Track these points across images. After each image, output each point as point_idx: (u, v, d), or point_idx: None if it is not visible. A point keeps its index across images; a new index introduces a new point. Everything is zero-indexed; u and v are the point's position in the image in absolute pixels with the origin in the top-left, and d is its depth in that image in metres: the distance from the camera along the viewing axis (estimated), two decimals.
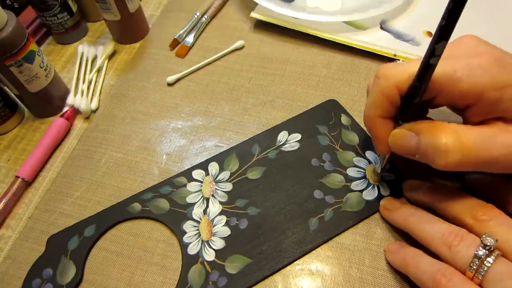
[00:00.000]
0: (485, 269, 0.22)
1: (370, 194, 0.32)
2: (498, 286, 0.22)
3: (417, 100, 0.25)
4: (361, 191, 0.32)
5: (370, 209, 0.31)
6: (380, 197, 0.31)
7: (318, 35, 0.43)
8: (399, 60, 0.40)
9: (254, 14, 0.45)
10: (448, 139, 0.24)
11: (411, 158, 0.27)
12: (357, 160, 0.34)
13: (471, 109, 0.25)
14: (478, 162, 0.24)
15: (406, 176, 0.32)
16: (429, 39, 0.41)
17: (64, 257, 0.31)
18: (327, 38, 0.43)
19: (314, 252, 0.30)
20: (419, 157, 0.26)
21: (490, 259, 0.22)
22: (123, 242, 0.32)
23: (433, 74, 0.24)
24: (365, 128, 0.36)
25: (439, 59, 0.23)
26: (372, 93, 0.28)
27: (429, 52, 0.23)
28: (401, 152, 0.27)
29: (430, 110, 0.30)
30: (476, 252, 0.23)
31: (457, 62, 0.25)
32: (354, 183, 0.33)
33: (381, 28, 0.43)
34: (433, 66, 0.23)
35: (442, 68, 0.24)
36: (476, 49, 0.26)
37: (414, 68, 0.24)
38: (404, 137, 0.26)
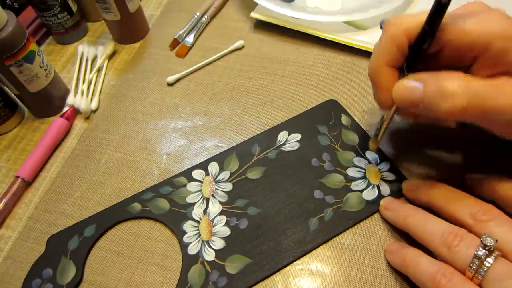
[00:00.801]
0: (485, 269, 0.22)
1: (370, 194, 0.32)
2: (498, 286, 0.22)
3: (426, 46, 0.25)
4: (361, 191, 0.32)
5: (370, 209, 0.31)
6: (380, 197, 0.31)
7: (318, 35, 0.43)
8: None
9: (254, 14, 0.45)
10: (455, 84, 0.23)
11: (414, 111, 0.26)
12: (357, 160, 0.34)
13: (477, 61, 0.25)
14: (484, 110, 0.23)
15: (406, 176, 0.32)
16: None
17: (64, 257, 0.31)
18: (327, 38, 0.43)
19: (314, 252, 0.30)
20: (424, 107, 0.25)
21: (490, 259, 0.22)
22: (123, 242, 0.32)
23: (442, 21, 0.24)
24: (365, 128, 0.36)
25: None
26: (380, 40, 0.27)
27: None
28: (405, 103, 0.26)
29: None
30: (476, 252, 0.23)
31: (467, 14, 0.25)
32: (354, 183, 0.33)
33: (381, 28, 0.43)
34: (445, 7, 0.23)
35: (452, 16, 0.24)
36: (485, 7, 0.26)
37: (424, 16, 0.24)
38: (408, 86, 0.26)
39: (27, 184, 0.36)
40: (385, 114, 0.30)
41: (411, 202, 0.30)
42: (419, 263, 0.25)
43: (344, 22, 0.43)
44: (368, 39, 0.42)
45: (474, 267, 0.23)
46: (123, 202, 0.33)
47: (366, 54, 0.42)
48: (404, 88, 0.26)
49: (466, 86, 0.23)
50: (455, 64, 0.26)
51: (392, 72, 0.27)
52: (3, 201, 0.34)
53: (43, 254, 0.31)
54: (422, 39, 0.25)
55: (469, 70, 0.26)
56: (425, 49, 0.25)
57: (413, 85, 0.25)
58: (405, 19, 0.26)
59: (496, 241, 0.23)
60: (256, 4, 0.46)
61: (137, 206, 0.33)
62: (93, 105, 0.41)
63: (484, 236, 0.23)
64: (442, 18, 0.24)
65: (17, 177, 0.36)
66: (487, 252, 0.22)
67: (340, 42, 0.42)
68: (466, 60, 0.26)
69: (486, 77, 0.25)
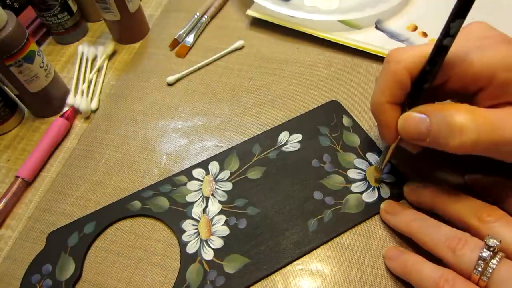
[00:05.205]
0: (490, 271, 0.22)
1: (370, 196, 0.32)
2: None
3: (428, 84, 0.25)
4: (361, 193, 0.32)
5: (369, 211, 0.31)
6: (380, 199, 0.31)
7: (312, 34, 0.43)
8: None
9: (251, 12, 0.45)
10: (463, 118, 0.23)
11: (420, 144, 0.26)
12: (358, 161, 0.34)
13: (482, 93, 0.25)
14: (492, 143, 0.23)
15: (407, 179, 0.32)
16: (424, 40, 0.41)
17: (64, 253, 0.31)
18: (321, 37, 0.42)
19: (314, 252, 0.30)
20: (431, 141, 0.24)
21: (494, 261, 0.22)
22: (123, 242, 0.32)
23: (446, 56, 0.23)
24: (366, 130, 0.36)
25: (453, 40, 0.22)
26: (381, 78, 0.27)
27: (444, 31, 0.22)
28: (411, 137, 0.26)
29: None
30: (480, 254, 0.23)
31: (468, 45, 0.25)
32: (354, 184, 0.33)
33: (376, 27, 0.43)
34: (447, 48, 0.23)
35: (454, 50, 0.24)
36: (486, 33, 0.26)
37: (426, 51, 0.24)
38: (414, 119, 0.25)
39: (27, 184, 0.36)
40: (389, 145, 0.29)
41: (412, 205, 0.30)
42: (421, 270, 0.25)
43: (339, 21, 0.43)
44: (362, 39, 0.42)
45: (479, 269, 0.22)
46: (123, 199, 0.33)
47: (366, 54, 0.41)
48: (409, 122, 0.25)
49: (474, 119, 0.23)
50: (460, 93, 0.26)
51: (394, 108, 0.27)
52: (3, 201, 0.34)
53: (43, 250, 0.31)
54: (424, 78, 0.25)
55: (474, 99, 0.26)
56: (426, 88, 0.25)
57: (419, 119, 0.25)
58: (406, 54, 0.25)
59: (500, 242, 0.23)
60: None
61: (137, 204, 0.33)
62: (93, 105, 0.41)
63: (487, 237, 0.23)
64: (443, 58, 0.23)
65: (17, 177, 0.36)
66: (491, 253, 0.22)
67: (334, 41, 0.42)
68: (471, 91, 0.25)
69: (491, 107, 0.25)
